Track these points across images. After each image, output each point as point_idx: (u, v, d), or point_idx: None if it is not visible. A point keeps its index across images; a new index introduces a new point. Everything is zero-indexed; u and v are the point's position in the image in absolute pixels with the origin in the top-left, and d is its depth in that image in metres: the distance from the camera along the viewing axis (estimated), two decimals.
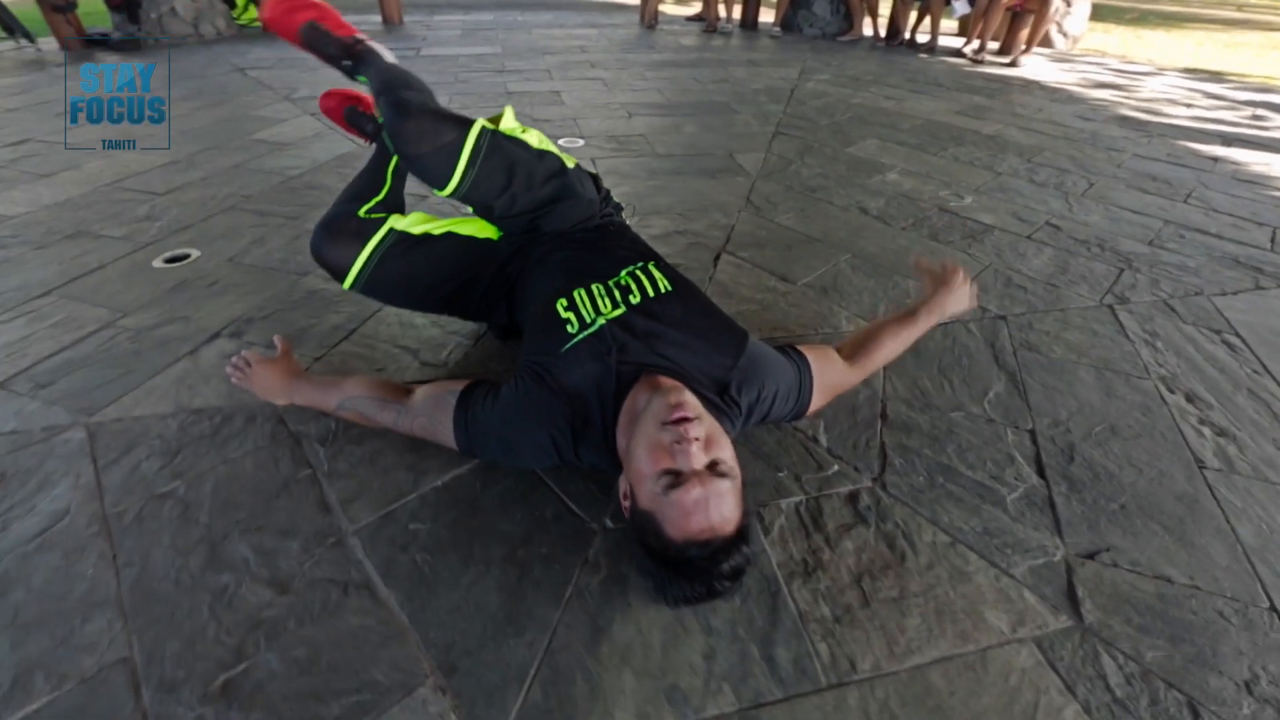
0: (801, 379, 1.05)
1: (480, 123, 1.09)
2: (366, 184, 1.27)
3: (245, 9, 5.17)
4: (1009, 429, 1.22)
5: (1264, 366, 1.43)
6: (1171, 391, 1.34)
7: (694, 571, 0.78)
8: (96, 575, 0.89)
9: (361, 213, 1.19)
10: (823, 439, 1.17)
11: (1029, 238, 1.99)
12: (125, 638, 0.81)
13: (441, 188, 1.08)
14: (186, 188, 2.17)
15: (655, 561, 0.80)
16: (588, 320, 0.99)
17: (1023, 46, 4.76)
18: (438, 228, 1.19)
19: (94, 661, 0.79)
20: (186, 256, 1.73)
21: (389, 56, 1.30)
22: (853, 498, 1.06)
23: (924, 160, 2.66)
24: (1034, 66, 4.71)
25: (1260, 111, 3.74)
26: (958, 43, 5.15)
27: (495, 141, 1.10)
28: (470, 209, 1.20)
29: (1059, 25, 5.48)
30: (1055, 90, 4.04)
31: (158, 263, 1.69)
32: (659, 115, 3.17)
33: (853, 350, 1.16)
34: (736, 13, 6.03)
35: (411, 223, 1.17)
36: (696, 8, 6.39)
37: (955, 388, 1.32)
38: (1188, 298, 1.70)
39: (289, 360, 1.18)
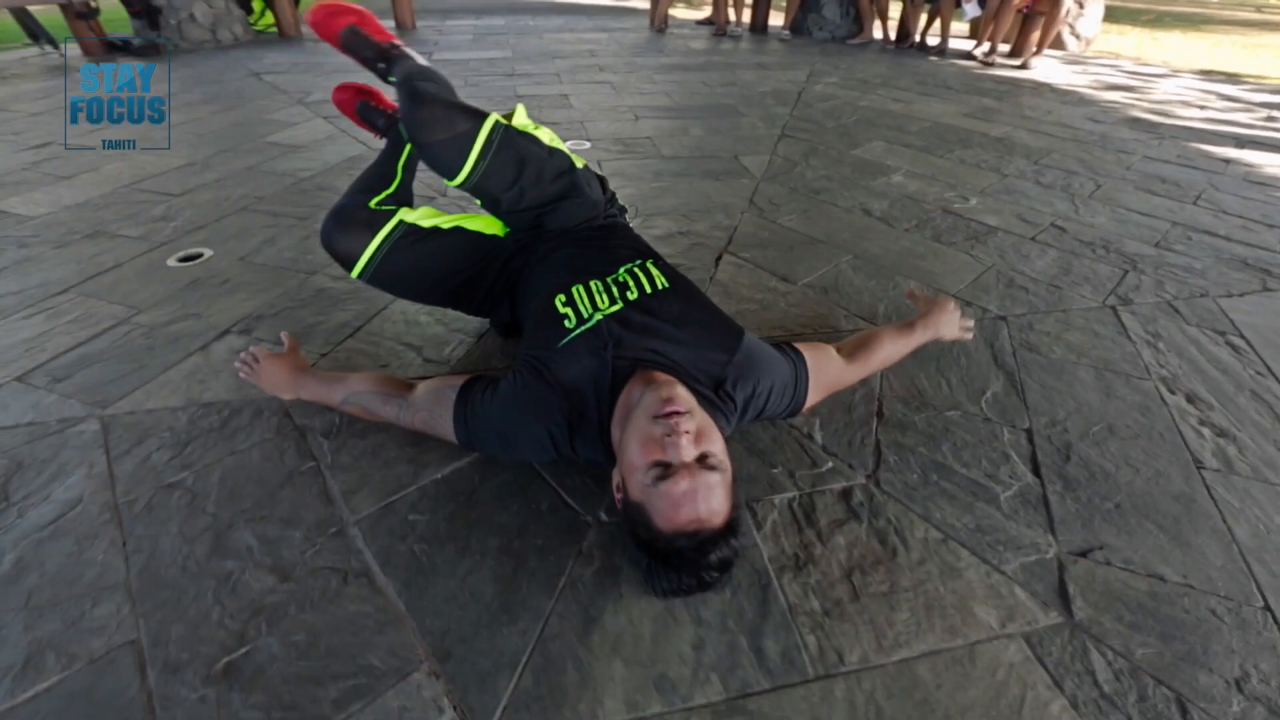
0: (797, 375, 1.06)
1: (494, 116, 1.12)
2: (377, 177, 1.30)
3: (262, 15, 5.28)
4: (1005, 428, 1.22)
5: (1268, 368, 1.42)
6: (1172, 392, 1.33)
7: (682, 562, 0.79)
8: (107, 561, 0.92)
9: (373, 204, 1.21)
10: (818, 436, 1.18)
11: (1033, 239, 1.99)
12: (133, 621, 0.84)
13: (452, 177, 1.10)
14: (201, 189, 2.22)
15: (645, 552, 0.82)
16: (585, 316, 1.01)
17: (1034, 49, 4.73)
18: (446, 222, 1.21)
19: (103, 643, 0.82)
20: (200, 256, 1.77)
21: (421, 60, 1.35)
22: (846, 494, 1.07)
23: (930, 162, 2.66)
24: (1045, 69, 4.68)
25: (1276, 113, 3.69)
26: (968, 45, 5.13)
27: (508, 135, 1.12)
28: (479, 202, 1.23)
29: (1071, 27, 5.44)
30: (1066, 92, 4.01)
31: (172, 261, 1.74)
32: (666, 118, 3.19)
33: (852, 350, 1.18)
34: (746, 16, 6.05)
35: (421, 216, 1.19)
36: (707, 11, 6.41)
37: (953, 387, 1.32)
38: (1192, 299, 1.68)
39: (296, 356, 1.21)
